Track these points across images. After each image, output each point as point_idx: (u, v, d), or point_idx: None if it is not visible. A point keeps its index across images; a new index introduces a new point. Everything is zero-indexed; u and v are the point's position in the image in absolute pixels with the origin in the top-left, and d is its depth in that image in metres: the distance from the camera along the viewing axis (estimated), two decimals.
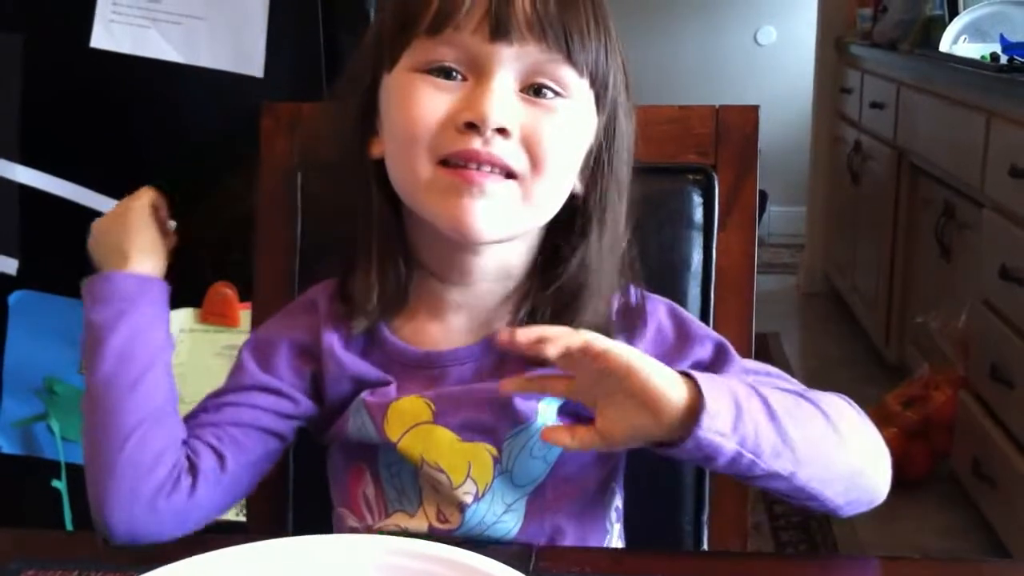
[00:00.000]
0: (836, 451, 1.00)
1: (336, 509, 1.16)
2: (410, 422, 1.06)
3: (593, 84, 1.04)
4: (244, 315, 1.85)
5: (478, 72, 0.99)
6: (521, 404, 1.05)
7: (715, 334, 1.12)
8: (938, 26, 4.04)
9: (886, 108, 4.21)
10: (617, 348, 0.93)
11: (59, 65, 1.89)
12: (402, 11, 1.02)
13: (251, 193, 1.38)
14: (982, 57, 3.51)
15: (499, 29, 0.97)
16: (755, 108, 1.33)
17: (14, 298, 1.95)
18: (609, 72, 1.05)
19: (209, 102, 1.87)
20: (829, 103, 5.19)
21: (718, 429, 0.92)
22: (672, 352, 1.08)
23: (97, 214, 1.89)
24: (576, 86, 1.02)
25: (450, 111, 0.99)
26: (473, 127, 0.98)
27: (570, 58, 1.00)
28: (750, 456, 0.94)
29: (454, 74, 1.00)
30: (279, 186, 1.36)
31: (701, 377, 0.94)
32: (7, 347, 1.96)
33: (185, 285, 1.87)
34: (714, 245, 1.32)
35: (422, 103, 0.99)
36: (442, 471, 1.06)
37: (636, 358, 0.93)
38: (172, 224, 1.19)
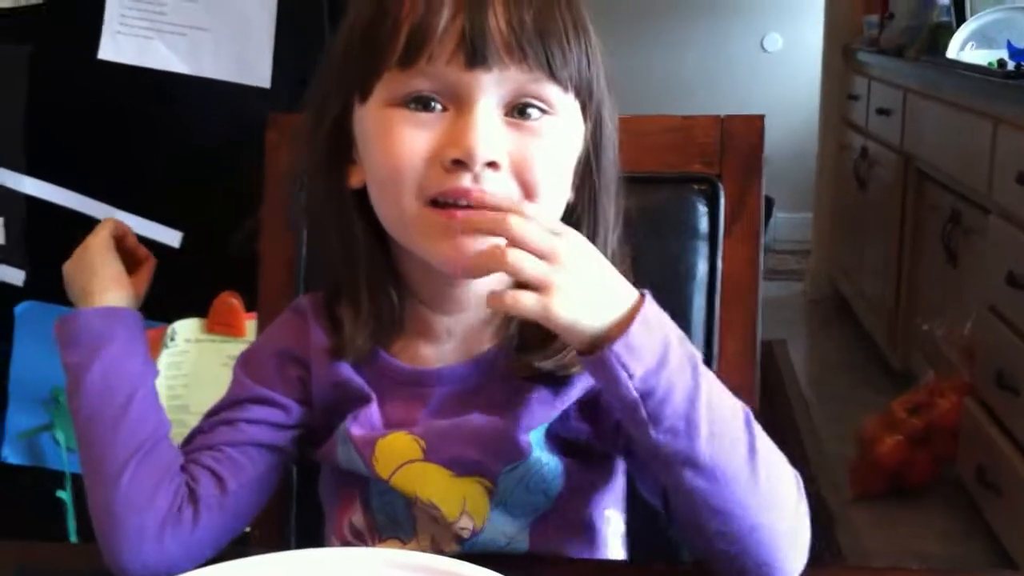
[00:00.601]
0: (738, 483, 0.90)
1: (327, 539, 1.14)
2: (400, 460, 1.03)
3: (578, 95, 0.99)
4: (250, 325, 1.85)
5: (459, 102, 0.94)
6: (513, 441, 1.01)
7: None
8: (945, 33, 4.04)
9: (893, 114, 4.21)
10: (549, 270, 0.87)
11: (66, 76, 1.90)
12: (368, 42, 0.96)
13: (256, 204, 1.38)
14: (989, 63, 3.51)
15: (476, 56, 0.92)
16: (760, 117, 1.33)
17: (21, 309, 1.95)
18: (593, 78, 1.00)
19: (215, 113, 1.87)
20: (836, 110, 5.18)
21: (628, 365, 0.87)
22: None
23: None
24: (561, 102, 0.97)
25: (434, 147, 0.94)
26: (461, 163, 0.92)
27: (553, 75, 0.95)
28: (646, 415, 0.88)
29: (433, 104, 0.94)
30: (283, 196, 1.36)
31: (649, 310, 0.89)
32: (14, 358, 1.96)
33: (191, 295, 1.89)
34: (719, 255, 1.32)
35: (403, 142, 0.94)
36: (436, 508, 1.04)
37: (561, 286, 0.87)
38: (143, 249, 1.17)
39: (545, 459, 1.03)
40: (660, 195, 1.32)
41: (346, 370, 1.05)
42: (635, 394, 0.88)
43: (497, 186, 0.94)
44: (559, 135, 0.98)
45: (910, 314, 4.00)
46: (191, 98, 1.87)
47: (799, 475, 0.97)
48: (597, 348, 0.88)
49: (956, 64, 3.75)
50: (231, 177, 1.73)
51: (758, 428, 0.93)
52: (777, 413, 3.90)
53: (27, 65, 1.88)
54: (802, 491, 0.96)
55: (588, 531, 1.10)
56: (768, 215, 5.89)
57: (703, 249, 1.32)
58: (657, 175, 1.32)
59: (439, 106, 0.95)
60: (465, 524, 1.04)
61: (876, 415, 3.40)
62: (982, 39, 3.93)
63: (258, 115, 1.41)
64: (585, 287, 0.89)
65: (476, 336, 1.06)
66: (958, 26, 4.02)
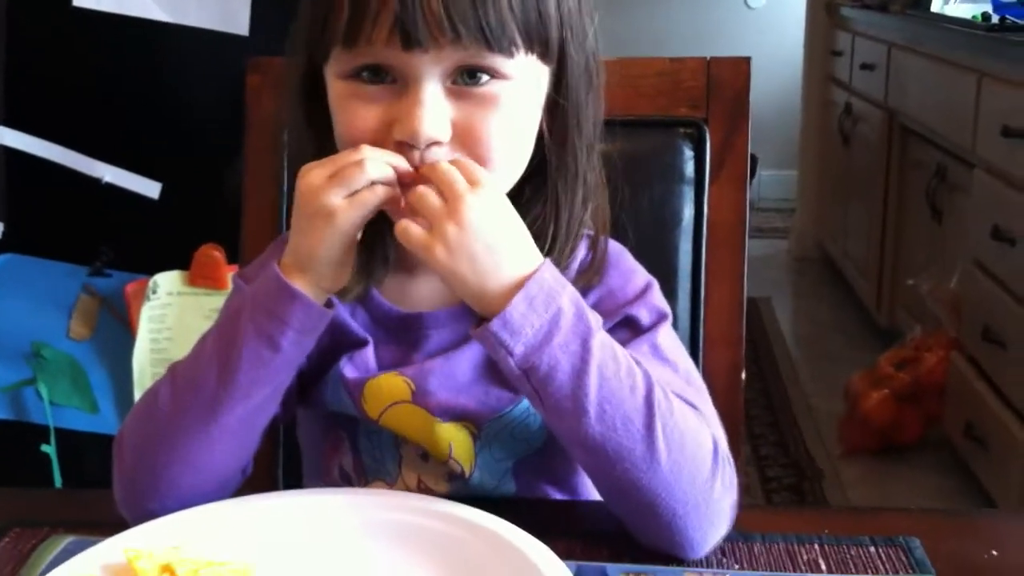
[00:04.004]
0: (631, 463, 0.91)
1: (306, 482, 1.14)
2: (388, 400, 1.03)
3: (531, 50, 0.95)
4: (232, 278, 1.84)
5: (403, 77, 0.93)
6: (502, 389, 1.02)
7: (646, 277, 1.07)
8: None
9: (877, 70, 4.20)
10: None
11: (43, 25, 1.88)
12: (319, 16, 0.95)
13: (237, 154, 1.37)
14: (973, 17, 3.50)
15: (410, 38, 0.90)
16: (746, 60, 1.31)
17: (1, 262, 1.94)
18: (548, 25, 0.95)
19: (195, 61, 1.85)
20: (820, 66, 5.17)
21: (506, 343, 0.89)
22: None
23: (83, 177, 1.90)
24: (511, 66, 0.94)
25: (383, 124, 0.93)
26: (407, 143, 0.92)
27: (493, 48, 0.92)
28: (532, 390, 0.90)
29: (384, 75, 0.93)
30: (265, 143, 1.34)
31: (536, 283, 0.90)
32: None
33: (173, 247, 1.88)
34: (705, 200, 1.31)
35: (356, 120, 0.94)
36: (424, 450, 1.05)
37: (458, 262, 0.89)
38: None
39: (532, 409, 1.03)
40: (646, 139, 1.31)
41: (341, 313, 1.03)
42: (517, 371, 0.90)
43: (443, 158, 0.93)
44: (512, 98, 0.95)
45: (896, 270, 4.00)
46: (170, 46, 1.85)
47: (719, 440, 0.95)
48: (484, 320, 0.89)
49: (940, 18, 3.74)
50: (211, 127, 1.72)
51: (664, 403, 0.92)
52: (763, 370, 3.91)
53: (4, 14, 1.86)
54: (722, 462, 0.94)
55: (570, 478, 1.11)
56: (753, 173, 5.88)
57: (689, 194, 1.31)
58: (643, 119, 1.30)
59: (389, 76, 0.94)
60: (453, 468, 1.05)
61: (863, 371, 3.41)
62: None
63: (237, 64, 1.39)
64: (476, 244, 0.89)
65: None
66: None
